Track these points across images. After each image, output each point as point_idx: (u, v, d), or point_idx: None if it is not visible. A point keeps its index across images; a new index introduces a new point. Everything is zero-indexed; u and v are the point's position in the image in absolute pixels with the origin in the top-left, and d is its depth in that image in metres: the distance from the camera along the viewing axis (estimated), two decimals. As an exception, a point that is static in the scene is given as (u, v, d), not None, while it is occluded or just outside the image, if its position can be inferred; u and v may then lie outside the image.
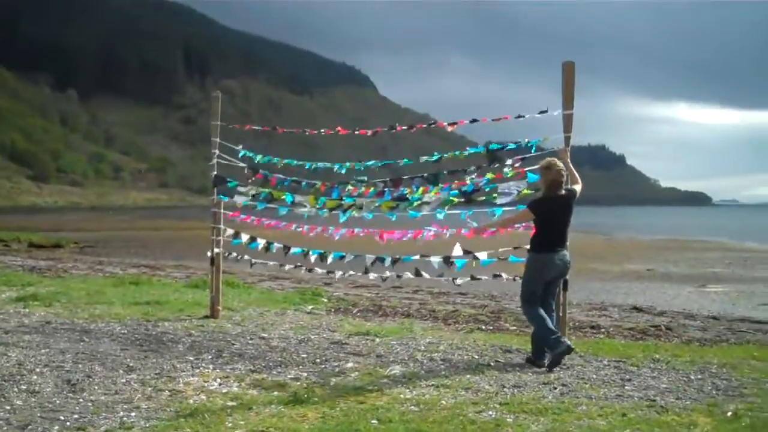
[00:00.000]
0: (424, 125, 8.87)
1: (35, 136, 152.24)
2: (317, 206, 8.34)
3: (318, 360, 6.67)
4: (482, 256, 7.40)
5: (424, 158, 7.82)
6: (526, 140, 7.12)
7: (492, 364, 6.57)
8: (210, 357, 6.70)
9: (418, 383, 5.76)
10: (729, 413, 4.86)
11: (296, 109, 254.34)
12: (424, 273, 7.92)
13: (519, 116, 7.31)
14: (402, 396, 5.36)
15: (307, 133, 9.31)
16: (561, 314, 6.75)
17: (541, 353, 6.45)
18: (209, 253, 9.06)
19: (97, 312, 9.11)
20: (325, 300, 11.45)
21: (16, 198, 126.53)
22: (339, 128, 8.93)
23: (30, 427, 4.52)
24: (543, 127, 7.28)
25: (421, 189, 7.69)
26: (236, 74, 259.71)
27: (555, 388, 5.60)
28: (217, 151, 9.02)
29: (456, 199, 7.39)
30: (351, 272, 8.53)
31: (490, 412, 4.91)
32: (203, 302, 9.61)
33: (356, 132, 8.78)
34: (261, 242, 9.00)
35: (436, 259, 7.65)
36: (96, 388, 5.47)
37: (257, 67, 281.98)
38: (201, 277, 13.57)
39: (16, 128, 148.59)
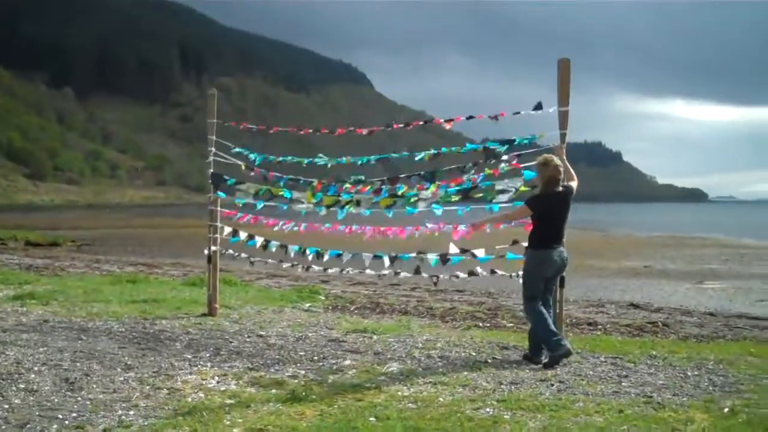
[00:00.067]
0: (421, 122, 8.88)
1: (32, 134, 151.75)
2: (314, 202, 8.34)
3: (316, 357, 6.68)
4: (479, 253, 7.40)
5: (421, 155, 7.80)
6: (522, 138, 7.12)
7: (489, 361, 6.58)
8: (208, 355, 6.71)
9: (415, 380, 5.78)
10: (726, 409, 4.88)
11: (293, 106, 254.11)
12: (423, 273, 7.93)
13: (515, 113, 7.33)
14: (399, 393, 5.37)
15: (301, 133, 9.29)
16: (558, 311, 6.76)
17: (539, 350, 6.47)
18: (206, 251, 9.07)
19: (95, 310, 9.11)
20: (323, 297, 11.46)
21: (13, 196, 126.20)
22: (338, 129, 8.93)
23: (28, 425, 4.53)
24: (539, 124, 7.28)
25: (417, 186, 7.69)
26: (233, 72, 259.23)
27: (552, 385, 5.62)
28: (213, 149, 9.02)
29: (455, 197, 7.39)
30: (349, 269, 8.54)
31: (488, 409, 4.93)
32: (201, 300, 9.61)
33: (352, 131, 8.77)
34: (259, 240, 9.01)
35: (432, 257, 7.66)
36: (94, 386, 5.48)
37: (254, 65, 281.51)
38: (198, 275, 13.58)
39: (13, 126, 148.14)
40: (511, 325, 9.27)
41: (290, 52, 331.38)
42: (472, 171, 7.44)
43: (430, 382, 5.73)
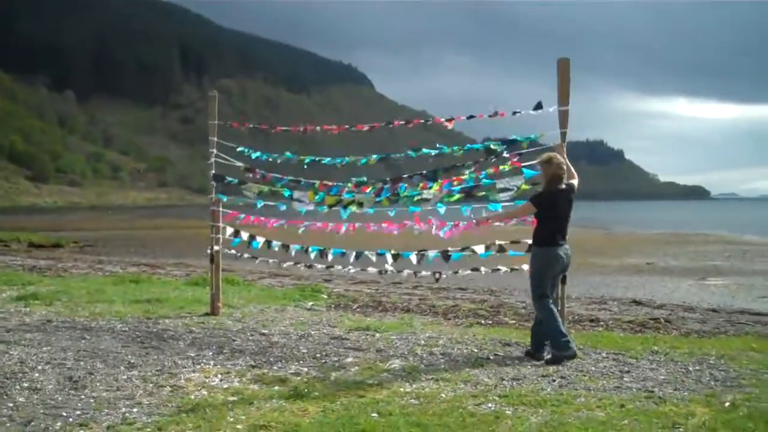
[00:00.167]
0: (422, 120, 8.90)
1: (33, 137, 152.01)
2: (316, 201, 8.36)
3: (318, 355, 6.71)
4: (480, 249, 7.43)
5: (425, 151, 7.83)
6: (524, 137, 7.14)
7: (491, 357, 6.60)
8: (211, 353, 6.73)
9: (417, 377, 5.80)
10: (727, 404, 4.90)
11: (293, 107, 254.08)
12: (424, 272, 7.96)
13: (515, 112, 7.35)
14: (402, 389, 5.39)
15: (303, 130, 9.30)
16: (560, 308, 6.77)
17: (540, 347, 6.48)
18: (208, 251, 9.10)
19: (98, 310, 9.14)
20: (325, 296, 11.49)
21: (16, 198, 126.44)
22: (341, 126, 8.94)
23: (33, 423, 4.56)
24: (539, 124, 7.32)
25: (420, 185, 7.72)
26: (233, 73, 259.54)
27: (554, 381, 5.63)
28: (214, 150, 9.05)
29: (458, 195, 7.42)
30: (351, 268, 8.54)
31: (490, 405, 4.95)
32: (203, 299, 9.64)
33: (353, 128, 8.78)
34: (261, 240, 9.04)
35: (432, 254, 7.69)
36: (98, 384, 5.51)
37: (254, 66, 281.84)
38: (201, 275, 13.60)
39: (15, 129, 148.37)
40: (513, 322, 9.28)
41: (290, 53, 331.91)
42: (473, 169, 7.46)
43: (433, 378, 5.75)
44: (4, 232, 29.76)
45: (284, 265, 9.20)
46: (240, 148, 9.13)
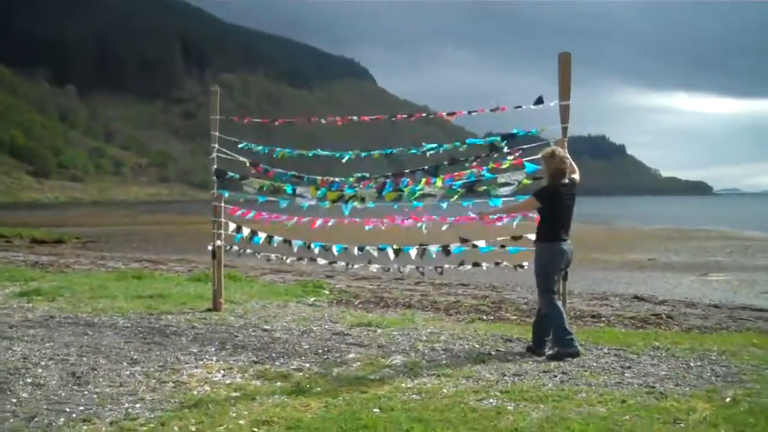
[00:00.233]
0: (424, 114, 8.92)
1: (35, 131, 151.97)
2: (318, 196, 8.38)
3: (320, 351, 6.72)
4: (481, 243, 7.44)
5: (426, 147, 7.84)
6: (524, 131, 7.14)
7: (493, 353, 6.62)
8: (213, 349, 6.75)
9: (419, 372, 5.82)
10: (728, 399, 4.91)
11: (295, 102, 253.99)
12: (428, 267, 7.98)
13: (516, 107, 7.34)
14: (403, 385, 5.41)
15: (308, 121, 9.30)
16: (561, 304, 6.78)
17: (542, 342, 6.49)
18: (210, 247, 9.11)
19: (101, 306, 9.17)
20: (327, 292, 11.50)
21: (17, 194, 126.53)
22: (344, 118, 8.94)
23: (36, 419, 4.58)
24: (540, 118, 7.32)
25: (423, 180, 7.73)
26: (235, 68, 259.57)
27: (555, 376, 5.65)
28: (216, 145, 9.05)
29: (461, 190, 7.44)
30: (354, 264, 8.57)
31: (491, 400, 4.97)
32: (206, 295, 9.66)
33: (356, 119, 8.78)
34: (262, 236, 9.05)
35: (434, 248, 7.70)
36: (101, 380, 5.53)
37: (256, 61, 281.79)
38: (203, 271, 13.64)
39: (16, 124, 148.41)
40: (515, 318, 9.29)
41: (292, 47, 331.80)
42: (474, 163, 7.48)
43: (434, 374, 5.76)
44: (6, 228, 29.81)
45: (288, 260, 9.19)
46: (242, 144, 9.14)
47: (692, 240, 28.83)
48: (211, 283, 9.30)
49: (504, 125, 7.48)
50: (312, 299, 10.49)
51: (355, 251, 8.39)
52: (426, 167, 7.81)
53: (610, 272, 17.18)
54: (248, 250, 9.35)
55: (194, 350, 6.67)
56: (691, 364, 6.04)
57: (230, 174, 9.07)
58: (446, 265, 8.08)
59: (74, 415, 4.67)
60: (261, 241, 9.07)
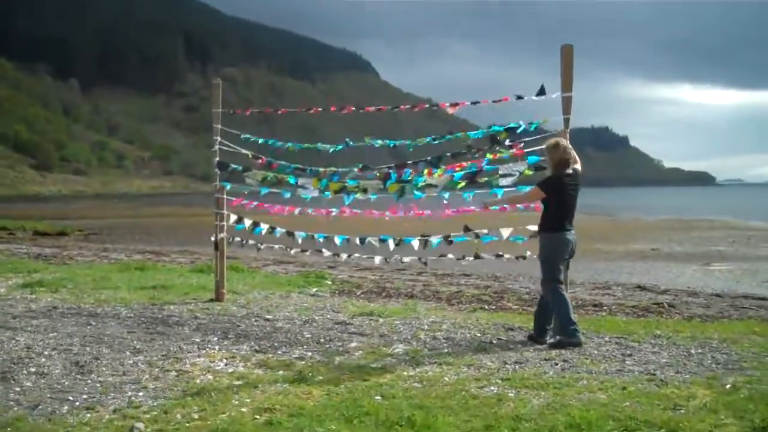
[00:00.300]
0: (427, 105, 8.92)
1: (38, 125, 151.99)
2: (320, 187, 8.39)
3: (322, 340, 6.75)
4: (483, 232, 7.46)
5: (426, 139, 7.86)
6: (524, 123, 7.14)
7: (494, 341, 6.64)
8: (216, 338, 6.78)
9: (421, 361, 5.84)
10: (728, 386, 4.93)
11: (298, 95, 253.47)
12: (428, 257, 8.01)
13: (519, 97, 7.33)
14: (405, 373, 5.43)
15: (309, 111, 9.29)
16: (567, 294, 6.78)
17: (543, 331, 6.51)
18: (213, 238, 9.14)
19: (103, 297, 9.20)
20: (329, 282, 11.53)
21: (20, 187, 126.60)
22: (348, 108, 8.93)
23: (40, 407, 4.61)
24: (543, 110, 7.31)
25: (426, 171, 7.75)
26: (237, 62, 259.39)
27: (556, 364, 5.67)
28: (219, 138, 9.06)
29: (462, 182, 7.45)
30: (357, 255, 8.58)
31: (492, 388, 4.99)
32: (208, 286, 9.69)
33: (360, 111, 8.78)
34: (264, 227, 9.07)
35: (435, 239, 7.71)
36: (104, 369, 5.56)
37: (258, 54, 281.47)
38: (206, 262, 13.68)
39: (19, 118, 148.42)
40: (517, 307, 9.31)
41: (294, 40, 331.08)
42: (476, 155, 7.49)
43: (436, 362, 5.78)
44: (9, 221, 29.87)
45: (292, 252, 9.20)
46: (244, 136, 9.15)
47: (695, 230, 28.80)
48: (214, 274, 9.33)
49: (507, 118, 7.45)
50: (314, 289, 10.52)
51: (357, 242, 8.41)
52: (428, 158, 7.83)
53: (613, 262, 17.18)
54: (251, 241, 9.37)
55: (197, 340, 6.70)
56: (692, 352, 6.06)
57: (233, 166, 9.09)
58: (450, 255, 8.09)
59: (77, 403, 4.70)
60: (263, 231, 9.09)
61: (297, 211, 8.81)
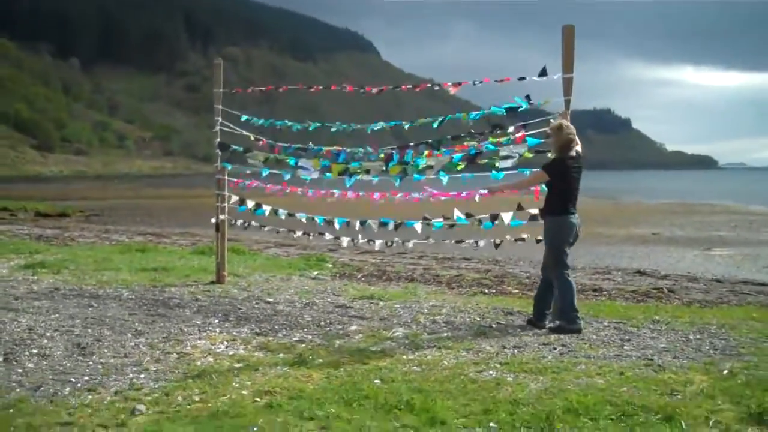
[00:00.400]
0: (428, 85, 8.89)
1: (38, 105, 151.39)
2: (321, 168, 8.39)
3: (322, 323, 6.79)
4: (484, 219, 7.47)
5: (425, 120, 7.86)
6: (525, 102, 7.11)
7: (493, 325, 6.67)
8: (217, 321, 6.82)
9: (420, 345, 5.87)
10: (725, 371, 4.95)
11: (300, 75, 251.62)
12: (431, 239, 8.02)
13: (521, 78, 7.30)
14: (404, 357, 5.47)
15: (311, 89, 9.25)
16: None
17: (542, 315, 6.53)
18: (214, 220, 9.15)
19: (105, 278, 9.24)
20: (330, 265, 11.56)
21: (21, 167, 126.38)
22: (348, 87, 8.90)
23: (42, 388, 4.65)
24: (544, 91, 7.28)
25: (426, 152, 7.74)
26: (239, 41, 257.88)
27: (555, 349, 5.70)
28: (219, 119, 9.05)
29: (462, 164, 7.44)
30: (358, 238, 8.58)
31: (491, 372, 5.02)
32: (209, 268, 9.72)
33: (361, 90, 8.75)
34: (267, 209, 9.07)
35: (437, 221, 7.73)
36: (105, 351, 5.60)
37: (260, 34, 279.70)
38: (207, 244, 13.71)
39: (20, 97, 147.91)
40: (517, 291, 9.34)
41: (294, 19, 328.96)
42: (477, 139, 7.48)
43: (435, 346, 5.82)
44: (10, 201, 29.90)
45: (295, 236, 9.21)
46: (244, 117, 9.14)
47: (696, 214, 28.81)
48: (215, 256, 9.36)
49: (509, 100, 7.42)
50: (315, 272, 10.55)
51: (357, 225, 8.41)
52: (429, 141, 7.82)
53: (614, 246, 17.21)
54: (254, 223, 9.39)
55: (198, 322, 6.74)
56: (690, 338, 6.09)
57: (234, 147, 9.08)
58: (449, 241, 8.10)
59: (79, 384, 4.74)
60: (266, 213, 9.09)
61: (299, 190, 8.80)
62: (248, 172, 9.20)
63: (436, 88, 8.98)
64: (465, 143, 7.55)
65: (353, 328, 6.58)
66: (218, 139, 9.08)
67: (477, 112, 7.71)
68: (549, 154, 6.83)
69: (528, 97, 7.03)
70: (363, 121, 8.59)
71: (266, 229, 9.46)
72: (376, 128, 8.29)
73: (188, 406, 4.32)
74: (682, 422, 3.96)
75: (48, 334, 6.11)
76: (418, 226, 7.97)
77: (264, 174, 8.93)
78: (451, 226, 7.74)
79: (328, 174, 8.38)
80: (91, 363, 5.26)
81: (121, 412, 4.21)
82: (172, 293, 8.29)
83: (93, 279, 9.18)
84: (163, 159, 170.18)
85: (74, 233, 18.18)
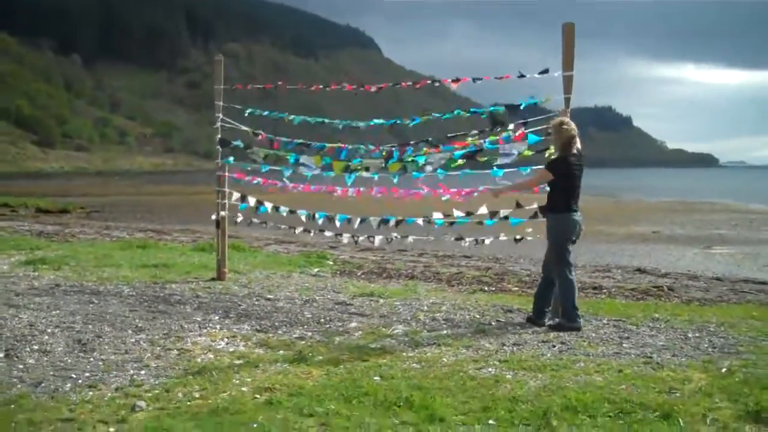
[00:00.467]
0: (429, 81, 8.90)
1: (40, 101, 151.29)
2: (322, 165, 8.41)
3: (322, 320, 6.80)
4: (485, 214, 7.49)
5: (426, 116, 7.87)
6: (528, 100, 7.12)
7: (493, 323, 6.69)
8: (217, 317, 6.84)
9: (420, 342, 5.89)
10: (723, 369, 4.97)
11: (301, 71, 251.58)
12: (430, 237, 8.02)
13: (521, 75, 7.30)
14: (404, 354, 5.48)
15: (312, 89, 9.27)
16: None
17: (542, 313, 6.55)
18: (214, 216, 9.16)
19: (106, 275, 9.26)
20: (331, 263, 11.58)
21: (22, 163, 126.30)
22: (347, 86, 8.91)
23: (43, 384, 4.67)
24: (545, 88, 7.29)
25: (424, 149, 7.76)
26: (240, 38, 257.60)
27: (554, 346, 5.72)
28: (220, 115, 9.06)
29: (461, 161, 7.45)
30: (358, 236, 8.60)
31: (490, 369, 5.04)
32: (210, 265, 9.74)
33: (361, 88, 8.76)
34: (268, 206, 9.08)
35: (437, 216, 7.74)
36: (106, 347, 5.62)
37: (261, 31, 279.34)
38: (207, 241, 13.72)
39: (21, 93, 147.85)
40: (517, 289, 9.35)
41: (295, 16, 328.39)
42: (477, 136, 7.50)
43: (435, 343, 5.84)
44: (11, 198, 29.93)
45: (297, 232, 9.22)
46: (248, 110, 9.15)
47: (697, 213, 28.81)
48: (216, 252, 9.37)
49: (509, 97, 7.43)
50: (315, 270, 10.57)
51: (357, 223, 8.43)
52: (429, 139, 7.83)
53: (614, 245, 17.21)
54: (255, 220, 9.41)
55: (198, 319, 6.76)
56: (689, 336, 6.10)
57: (234, 143, 9.09)
58: (452, 238, 8.10)
59: (80, 381, 4.76)
60: (268, 210, 9.10)
61: (300, 187, 8.81)
62: (248, 168, 9.21)
63: (436, 84, 9.00)
64: (466, 140, 7.57)
65: (353, 325, 6.60)
66: (219, 136, 9.09)
67: (478, 108, 7.73)
68: (548, 153, 6.85)
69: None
70: (364, 119, 8.60)
71: (269, 225, 9.49)
72: (374, 123, 8.30)
73: (188, 403, 4.34)
74: (680, 420, 3.98)
75: (49, 330, 6.14)
76: (419, 223, 7.99)
77: (264, 170, 8.94)
78: (452, 223, 7.75)
79: (328, 171, 8.40)
80: (91, 359, 5.28)
81: (122, 408, 4.23)
82: (173, 290, 8.31)
83: (94, 275, 9.20)
84: (164, 156, 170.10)
85: (75, 230, 18.20)
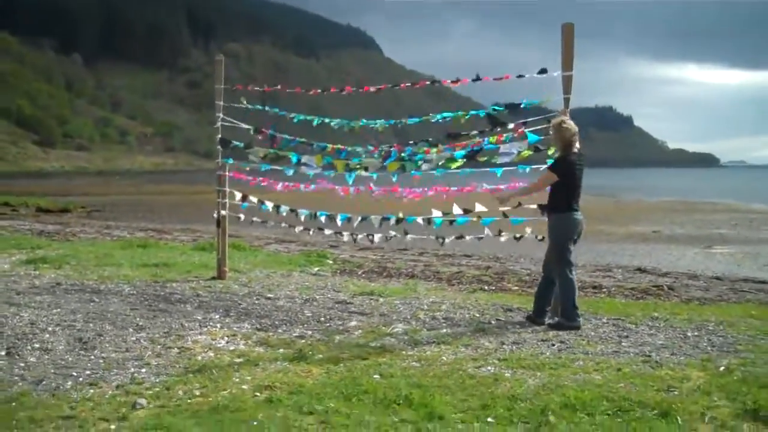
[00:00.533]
0: (428, 82, 8.91)
1: (41, 100, 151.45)
2: (323, 164, 8.42)
3: (323, 319, 6.82)
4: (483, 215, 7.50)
5: (430, 117, 7.89)
6: (527, 100, 7.14)
7: (493, 322, 6.70)
8: (217, 316, 6.86)
9: (419, 341, 5.91)
10: (722, 368, 4.99)
11: (303, 71, 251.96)
12: (431, 236, 8.04)
13: (519, 75, 7.32)
14: (404, 353, 5.50)
15: (310, 93, 9.29)
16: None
17: (542, 312, 6.56)
18: (215, 215, 9.18)
19: (106, 274, 9.28)
20: (331, 262, 11.59)
21: (23, 163, 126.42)
22: (347, 88, 8.92)
23: (44, 382, 4.69)
24: (545, 88, 7.30)
25: (424, 149, 7.78)
26: (241, 37, 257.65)
27: (553, 345, 5.73)
28: (221, 115, 9.08)
29: (461, 161, 7.47)
30: (358, 234, 8.62)
31: (489, 368, 5.05)
32: (210, 264, 9.76)
33: (360, 90, 8.77)
34: (269, 204, 9.10)
35: (437, 214, 7.76)
36: (107, 345, 5.64)
37: (262, 30, 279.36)
38: (208, 240, 13.74)
39: (22, 93, 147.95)
40: (517, 288, 9.37)
41: (297, 16, 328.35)
42: (477, 137, 7.51)
43: (434, 342, 5.85)
44: (12, 197, 29.96)
45: (297, 230, 9.24)
46: (250, 106, 9.16)
47: (697, 212, 28.81)
48: (216, 252, 9.40)
49: (509, 97, 7.45)
50: (315, 269, 10.59)
51: (357, 222, 8.44)
52: (430, 139, 7.85)
53: (615, 244, 17.23)
54: (256, 218, 9.42)
55: (199, 317, 6.78)
56: (688, 334, 6.12)
57: (235, 143, 9.11)
58: (447, 239, 8.10)
59: (81, 379, 4.78)
60: (269, 209, 9.11)
61: (302, 186, 8.82)
62: (247, 168, 9.22)
63: (436, 84, 9.01)
64: (465, 142, 7.59)
65: (353, 323, 6.62)
66: (219, 135, 9.11)
67: (478, 110, 7.74)
68: (550, 153, 6.87)
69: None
70: (364, 119, 8.61)
71: (270, 224, 9.51)
72: (375, 125, 8.32)
73: (189, 401, 4.36)
74: (678, 418, 3.99)
75: (50, 328, 6.16)
76: (419, 221, 8.00)
77: (263, 169, 8.96)
78: (451, 222, 7.77)
79: (329, 171, 8.42)
80: (92, 357, 5.30)
81: (123, 406, 4.25)
82: (174, 289, 8.33)
83: (94, 274, 9.23)
84: (164, 155, 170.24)
85: (75, 229, 18.22)
